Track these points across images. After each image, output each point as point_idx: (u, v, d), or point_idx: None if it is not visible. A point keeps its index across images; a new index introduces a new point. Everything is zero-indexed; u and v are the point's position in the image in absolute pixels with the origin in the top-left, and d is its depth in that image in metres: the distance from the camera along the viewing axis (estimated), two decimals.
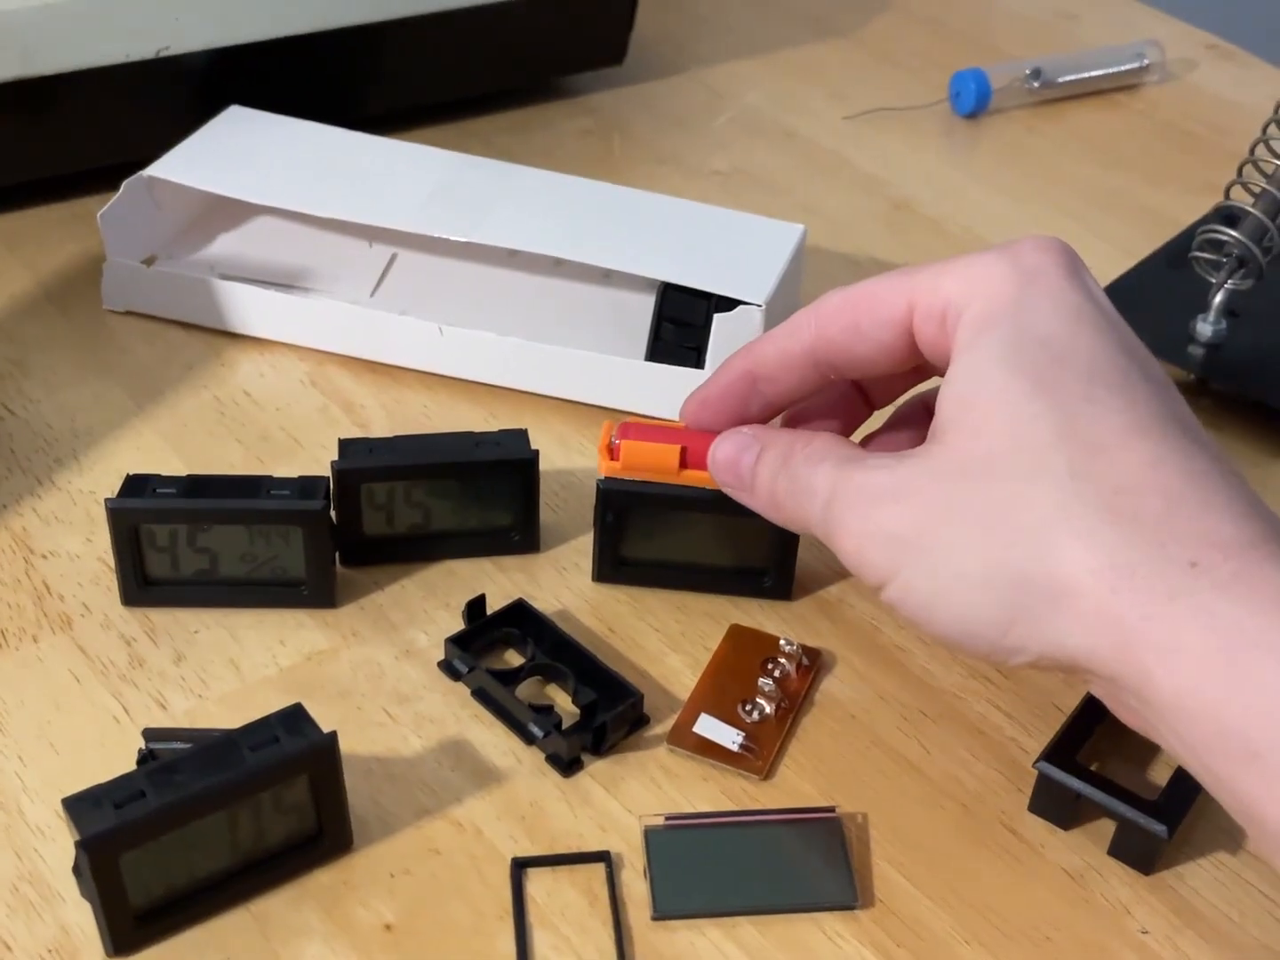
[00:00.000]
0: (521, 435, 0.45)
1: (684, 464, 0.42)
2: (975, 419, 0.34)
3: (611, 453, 0.42)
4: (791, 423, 0.42)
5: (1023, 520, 0.32)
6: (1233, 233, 0.52)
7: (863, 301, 0.37)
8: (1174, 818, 0.36)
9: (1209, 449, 0.33)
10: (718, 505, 0.41)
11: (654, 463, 0.42)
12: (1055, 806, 0.38)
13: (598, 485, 0.43)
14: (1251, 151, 0.54)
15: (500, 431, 0.45)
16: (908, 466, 0.34)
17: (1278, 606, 0.30)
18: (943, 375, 0.36)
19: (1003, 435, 0.33)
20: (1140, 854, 0.37)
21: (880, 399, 0.42)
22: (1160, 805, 0.36)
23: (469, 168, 0.57)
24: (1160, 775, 0.39)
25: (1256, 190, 0.53)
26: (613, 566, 0.44)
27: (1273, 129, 0.54)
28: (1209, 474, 0.32)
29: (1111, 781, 0.37)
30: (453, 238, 0.53)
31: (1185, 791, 0.37)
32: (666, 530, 0.44)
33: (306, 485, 0.42)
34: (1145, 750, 0.40)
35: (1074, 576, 0.31)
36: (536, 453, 0.44)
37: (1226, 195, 0.54)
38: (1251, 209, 0.52)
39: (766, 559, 0.44)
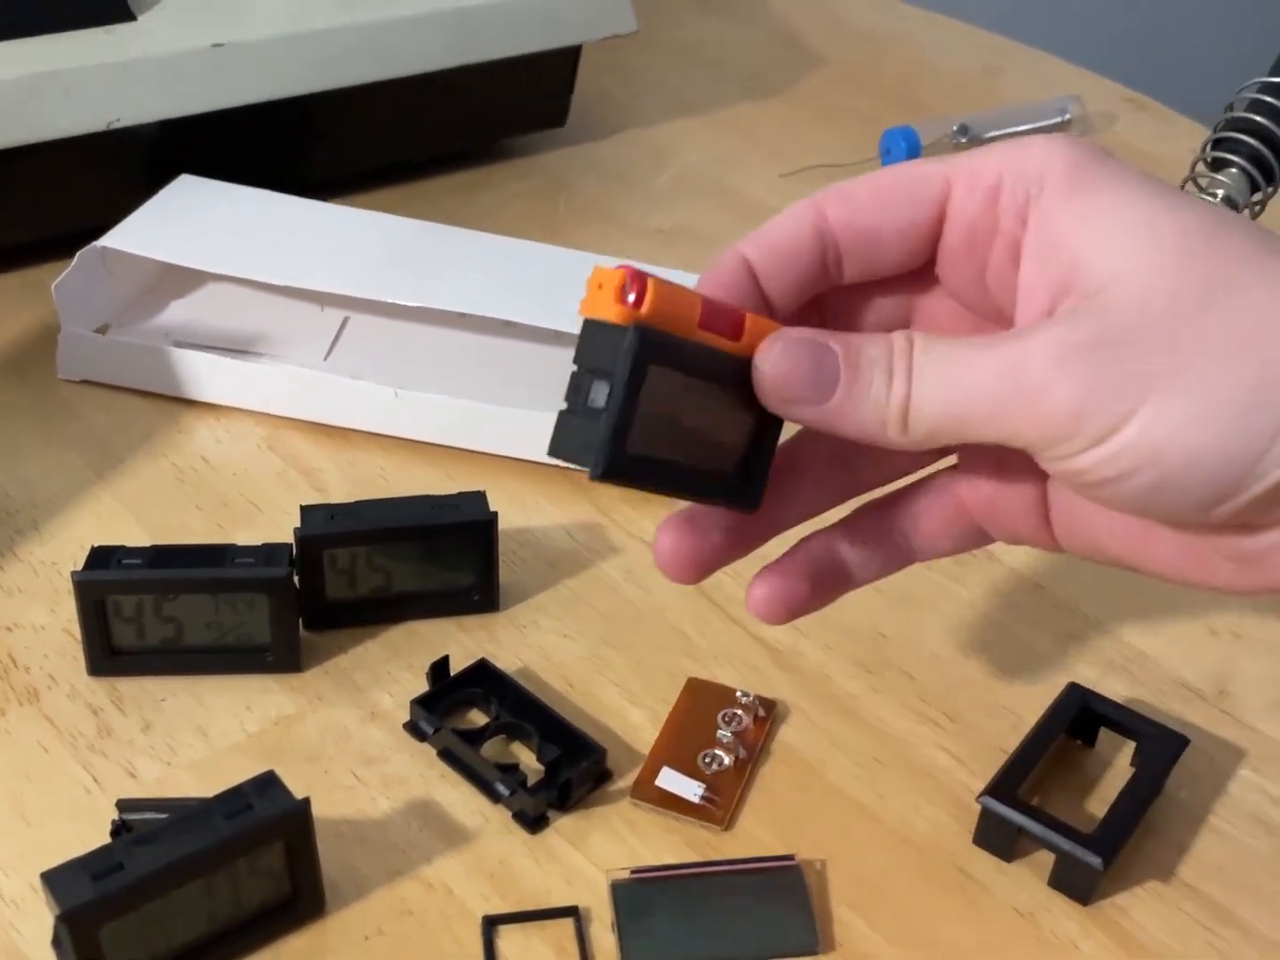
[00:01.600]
0: (480, 497, 0.46)
1: (702, 322, 0.32)
2: (1153, 254, 0.30)
3: (627, 296, 0.30)
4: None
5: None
6: None
7: (894, 178, 0.34)
8: (1109, 850, 0.38)
9: None
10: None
11: (679, 309, 0.32)
12: (998, 840, 0.39)
13: (629, 335, 0.30)
14: (1181, 188, 0.56)
15: (459, 494, 0.46)
16: (1100, 312, 0.30)
17: None
18: (956, 286, 0.34)
19: (1212, 258, 0.30)
20: (1078, 885, 0.38)
21: (869, 479, 0.38)
22: (1096, 837, 0.38)
23: (418, 232, 0.59)
24: (1097, 807, 0.41)
25: None
26: (624, 456, 0.31)
27: (1190, 186, 0.57)
28: None
29: (1050, 815, 0.39)
30: (403, 303, 0.54)
31: (1121, 824, 0.39)
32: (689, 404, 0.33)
33: (270, 552, 0.43)
34: (1083, 783, 0.42)
35: None
36: (495, 514, 0.45)
37: None
38: None
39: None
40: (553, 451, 0.31)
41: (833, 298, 0.36)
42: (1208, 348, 0.30)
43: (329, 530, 0.44)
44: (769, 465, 0.35)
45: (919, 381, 0.32)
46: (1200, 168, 0.56)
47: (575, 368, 0.31)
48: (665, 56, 0.88)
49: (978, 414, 0.31)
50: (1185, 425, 0.30)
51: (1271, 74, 0.58)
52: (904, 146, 0.75)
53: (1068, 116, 0.80)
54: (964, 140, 0.77)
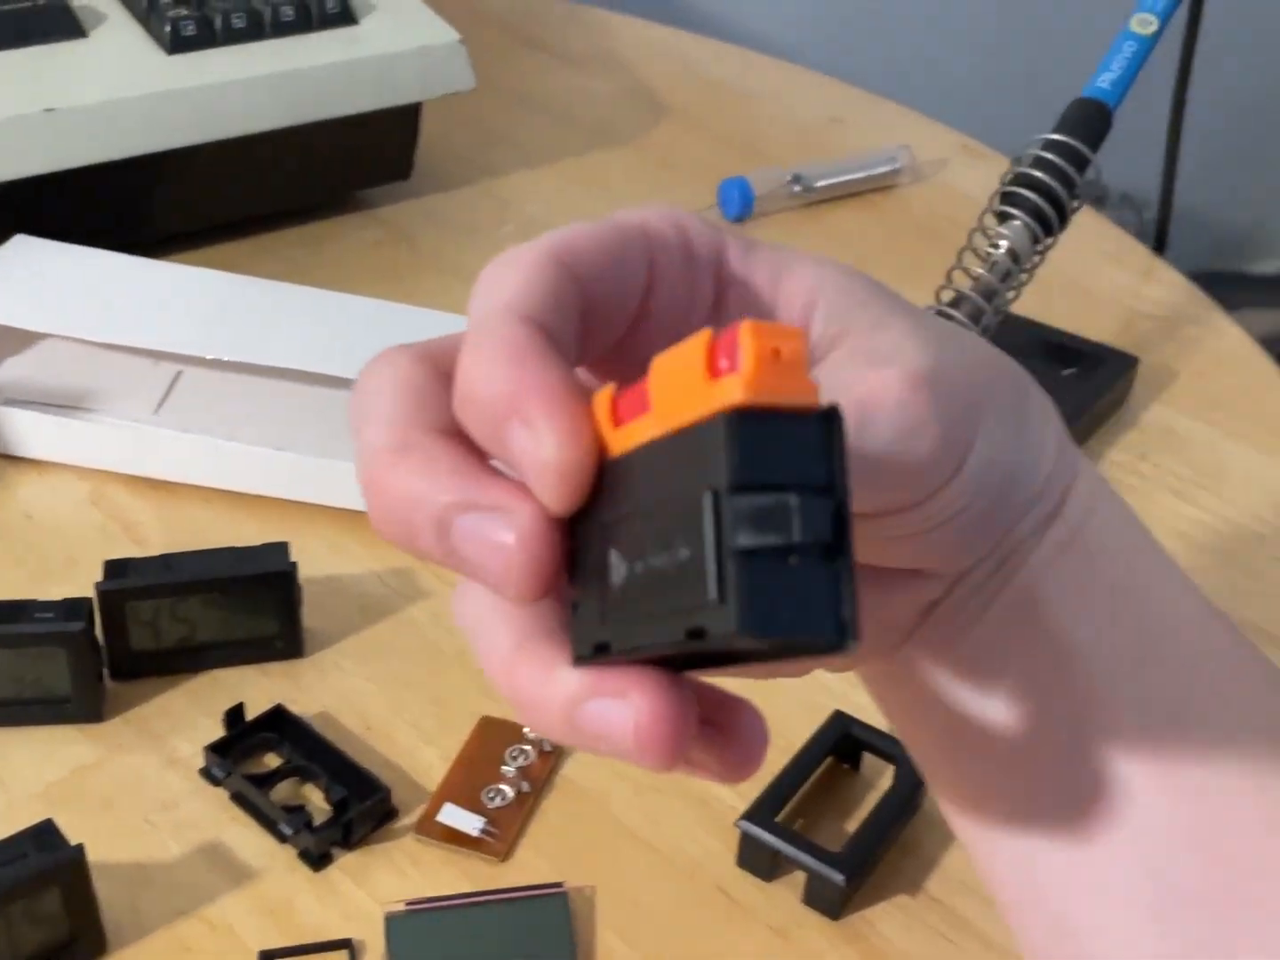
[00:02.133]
0: (282, 547, 0.48)
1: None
2: (868, 302, 0.27)
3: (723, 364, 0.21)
4: None
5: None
6: (956, 314, 0.58)
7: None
8: (854, 868, 0.41)
9: None
10: None
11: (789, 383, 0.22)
12: (757, 861, 0.42)
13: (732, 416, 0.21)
14: (959, 258, 0.60)
15: (262, 545, 0.48)
16: (906, 340, 0.26)
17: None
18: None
19: (902, 306, 0.27)
20: (827, 901, 0.41)
21: None
22: (842, 856, 0.41)
23: (248, 288, 0.61)
24: (855, 828, 0.44)
25: (962, 294, 0.59)
26: None
27: (977, 236, 0.60)
28: None
29: (802, 836, 0.42)
30: (229, 358, 0.56)
31: (868, 843, 0.42)
32: None
33: (71, 607, 0.45)
34: (846, 805, 0.45)
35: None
36: (294, 565, 0.47)
37: (937, 298, 0.60)
38: (956, 312, 0.58)
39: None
40: (753, 628, 0.19)
41: None
42: (983, 368, 0.28)
43: (130, 584, 0.46)
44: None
45: None
46: (988, 219, 0.60)
47: (731, 489, 0.19)
48: (514, 107, 0.90)
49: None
50: (999, 437, 0.27)
51: (1055, 130, 0.61)
52: (737, 197, 0.79)
53: (898, 165, 0.84)
54: (798, 189, 0.81)
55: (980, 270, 0.59)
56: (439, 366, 0.26)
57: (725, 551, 0.19)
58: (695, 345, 0.20)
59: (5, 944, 0.37)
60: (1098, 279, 0.76)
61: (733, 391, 0.19)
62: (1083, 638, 0.29)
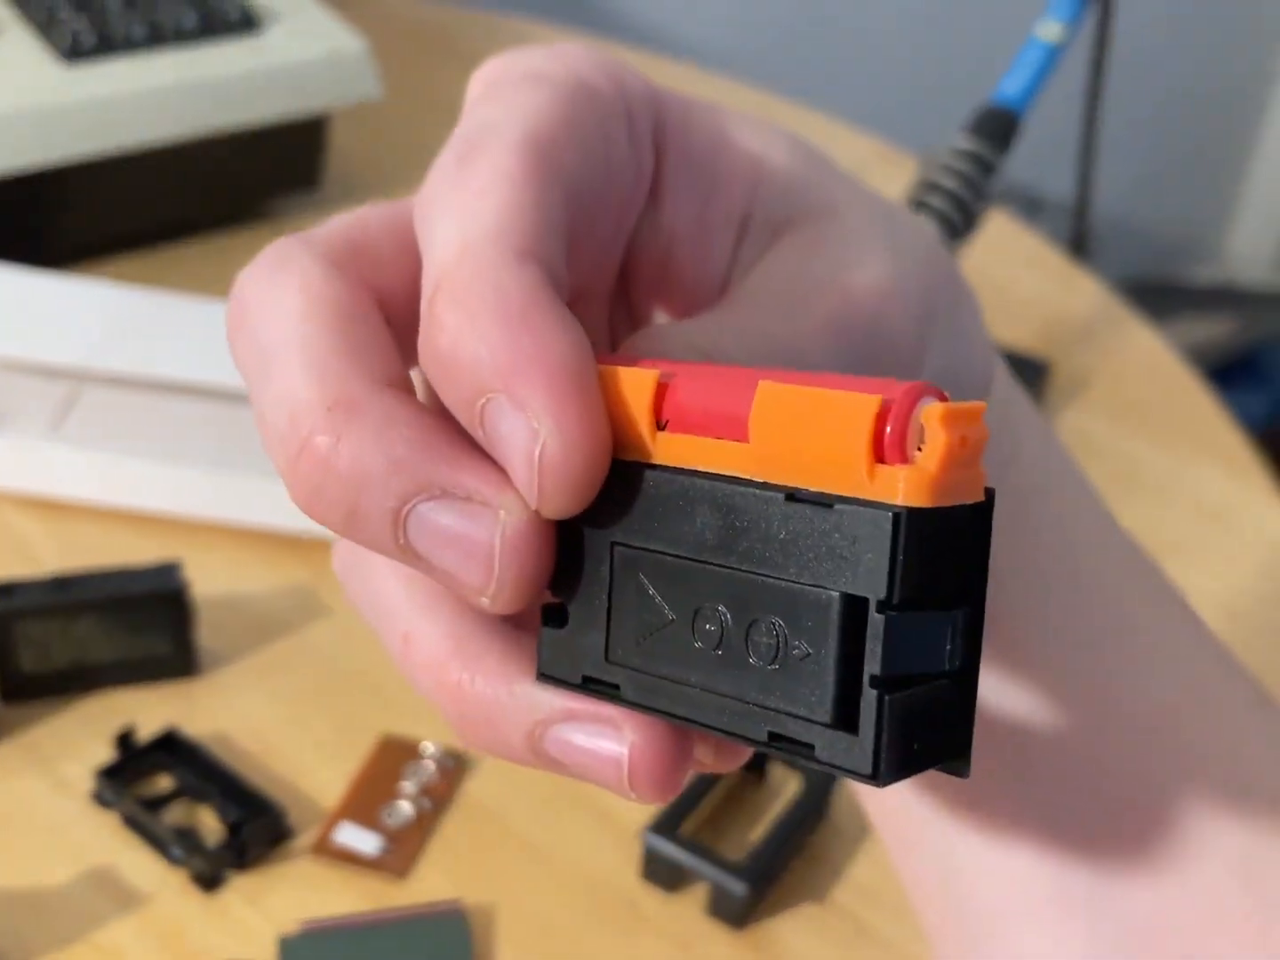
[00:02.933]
0: (173, 567, 0.47)
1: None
2: (816, 183, 0.23)
3: (663, 419, 0.19)
4: None
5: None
6: None
7: None
8: (757, 877, 0.40)
9: None
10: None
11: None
12: (661, 873, 0.42)
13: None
14: None
15: (155, 564, 0.47)
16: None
17: None
18: None
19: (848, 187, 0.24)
20: (730, 912, 0.41)
21: None
22: (745, 866, 0.41)
23: (145, 301, 0.60)
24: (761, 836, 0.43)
25: None
26: None
27: None
28: None
29: (706, 848, 0.41)
30: (125, 371, 0.55)
31: (770, 852, 0.41)
32: None
33: None
34: (753, 814, 0.45)
35: None
36: (186, 584, 0.46)
37: None
38: None
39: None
40: (890, 772, 0.17)
41: None
42: None
43: (18, 605, 0.45)
44: None
45: None
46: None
47: (884, 606, 0.16)
48: (427, 117, 0.90)
49: None
50: None
51: (961, 136, 0.62)
52: None
53: None
54: None
55: None
56: (366, 276, 0.20)
57: (858, 672, 0.16)
58: (854, 407, 0.16)
59: None
60: (1015, 285, 0.76)
61: (912, 490, 0.16)
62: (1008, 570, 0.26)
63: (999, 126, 0.63)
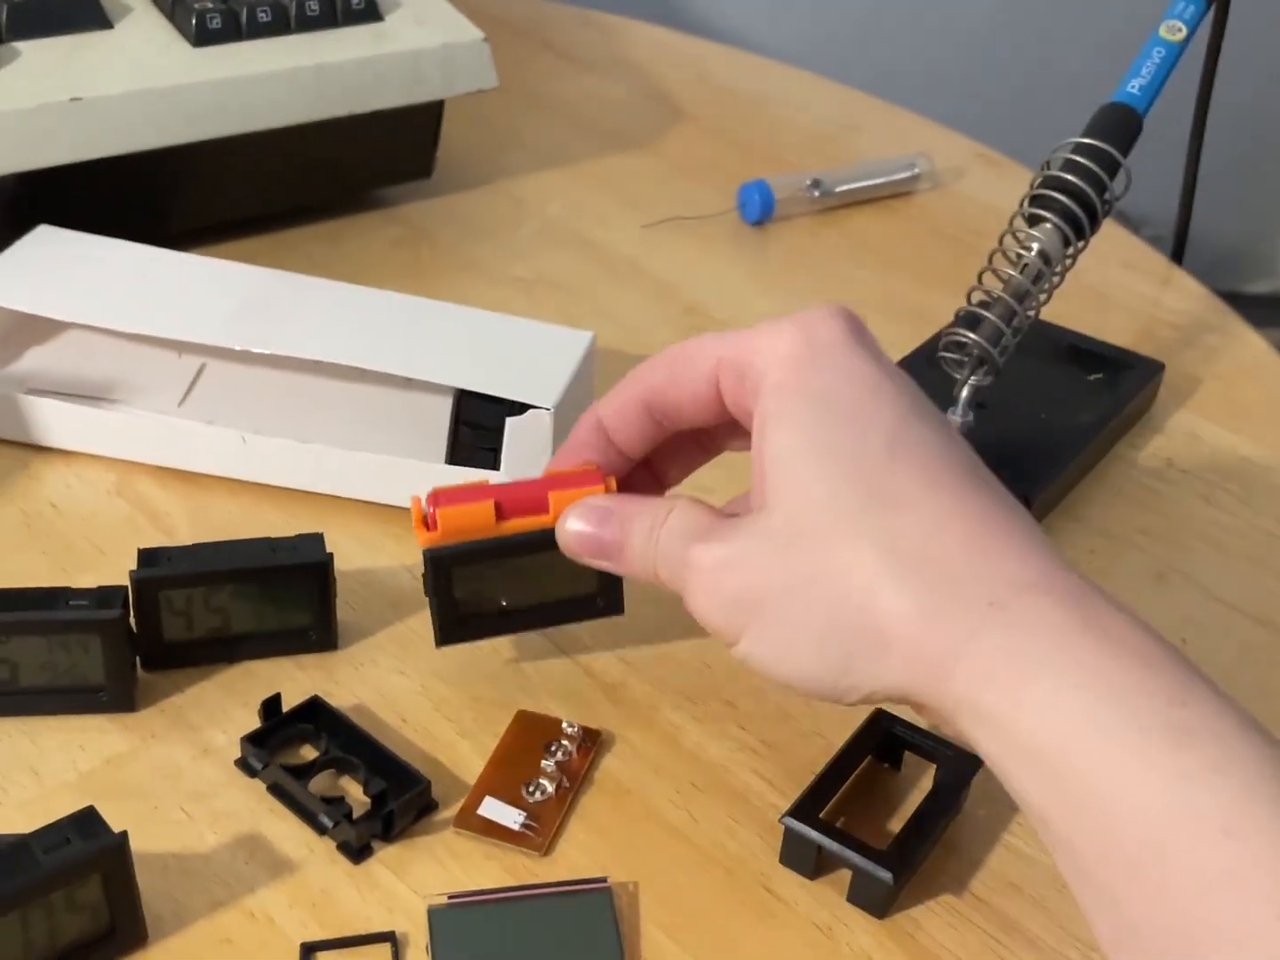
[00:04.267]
0: (317, 539, 0.48)
1: (500, 516, 0.44)
2: (791, 489, 0.38)
3: (428, 523, 0.44)
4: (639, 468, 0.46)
5: (846, 582, 0.37)
6: (972, 335, 0.58)
7: (680, 355, 0.42)
8: (901, 866, 0.40)
9: (998, 492, 0.38)
10: (540, 545, 0.44)
11: (472, 523, 0.44)
12: (800, 858, 0.42)
13: (425, 556, 0.44)
14: (990, 259, 0.60)
15: (297, 536, 0.48)
16: (742, 537, 0.38)
17: (1055, 634, 0.35)
18: (749, 430, 0.40)
19: (818, 504, 0.37)
20: (873, 900, 0.41)
21: (713, 450, 0.47)
22: (889, 854, 0.40)
23: (273, 281, 0.60)
24: (899, 827, 0.43)
25: (994, 296, 0.59)
26: (454, 626, 0.46)
27: (1008, 239, 0.60)
28: (999, 518, 0.37)
29: (848, 834, 0.41)
30: (255, 349, 0.56)
31: (914, 842, 0.41)
32: (497, 579, 0.46)
33: (105, 595, 0.44)
34: (888, 804, 0.45)
35: (892, 625, 0.36)
36: (331, 556, 0.47)
37: (969, 300, 0.60)
38: (988, 314, 0.58)
39: (595, 582, 0.47)
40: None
41: (674, 441, 0.45)
42: (793, 587, 0.37)
43: (164, 573, 0.45)
44: (621, 579, 0.46)
45: (660, 545, 0.40)
46: (1018, 222, 0.60)
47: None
48: (531, 110, 0.90)
49: (677, 585, 0.40)
50: (774, 649, 0.38)
51: (1084, 134, 0.61)
52: (758, 200, 0.78)
53: (916, 172, 0.84)
54: (817, 194, 0.81)
55: (1011, 272, 0.59)
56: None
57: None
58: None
59: (46, 933, 0.36)
60: (1117, 287, 0.76)
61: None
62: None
63: (1122, 125, 0.63)
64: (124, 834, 0.37)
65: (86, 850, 0.36)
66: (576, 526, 0.42)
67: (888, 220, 0.82)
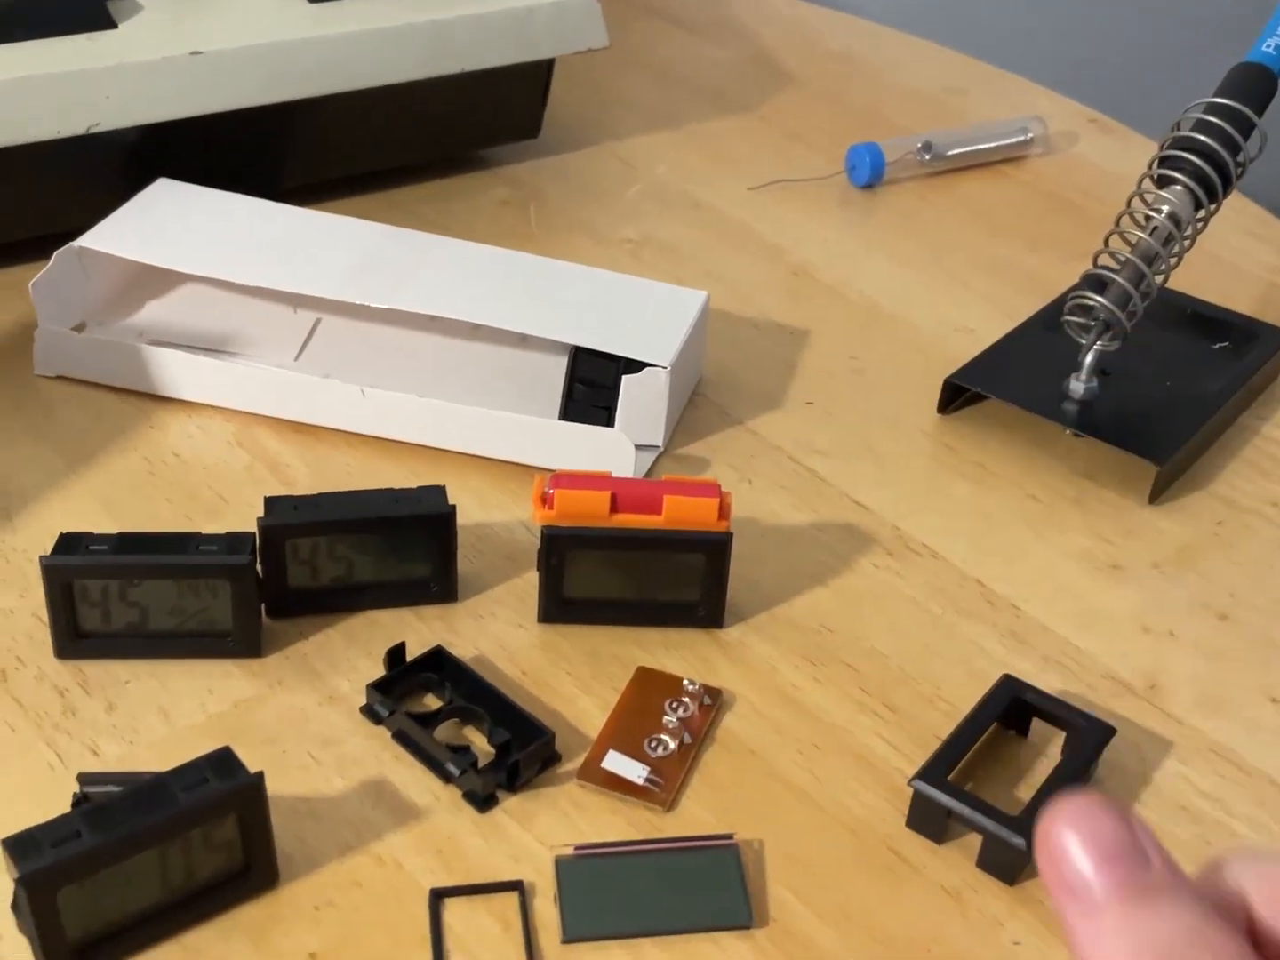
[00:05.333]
0: (440, 491, 0.48)
1: (615, 508, 0.46)
2: None
3: (546, 501, 0.46)
4: None
5: None
6: (1100, 299, 0.56)
7: None
8: (1033, 831, 0.39)
9: None
10: (653, 544, 0.46)
11: (587, 509, 0.45)
12: (928, 822, 0.41)
13: (541, 531, 0.46)
14: (1117, 222, 0.58)
15: (420, 487, 0.48)
16: None
17: None
18: None
19: None
20: (1004, 865, 0.40)
21: None
22: (1022, 820, 0.40)
23: (389, 237, 0.60)
24: (1028, 794, 0.42)
25: (1122, 259, 0.57)
26: (557, 607, 0.47)
27: (1137, 202, 0.59)
28: None
29: (978, 798, 0.40)
30: (373, 304, 0.56)
31: (1046, 808, 0.40)
32: (605, 569, 0.47)
33: (234, 541, 0.44)
34: (1014, 771, 0.44)
35: None
36: (454, 507, 0.47)
37: (1095, 263, 0.58)
38: (1117, 276, 0.57)
39: (700, 591, 0.47)
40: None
41: None
42: None
43: (292, 520, 0.45)
44: (724, 590, 0.47)
45: None
46: (1147, 184, 0.58)
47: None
48: (637, 73, 0.90)
49: None
50: None
51: (1216, 94, 0.59)
52: (868, 162, 0.77)
53: (1030, 136, 0.82)
54: (927, 158, 0.79)
55: (1140, 234, 0.57)
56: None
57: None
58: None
59: (183, 870, 0.37)
60: (1240, 255, 0.74)
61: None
62: None
63: (1256, 85, 0.61)
64: (260, 774, 0.37)
65: (224, 789, 0.36)
66: (1070, 839, 0.26)
67: (999, 185, 0.80)
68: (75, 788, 0.40)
